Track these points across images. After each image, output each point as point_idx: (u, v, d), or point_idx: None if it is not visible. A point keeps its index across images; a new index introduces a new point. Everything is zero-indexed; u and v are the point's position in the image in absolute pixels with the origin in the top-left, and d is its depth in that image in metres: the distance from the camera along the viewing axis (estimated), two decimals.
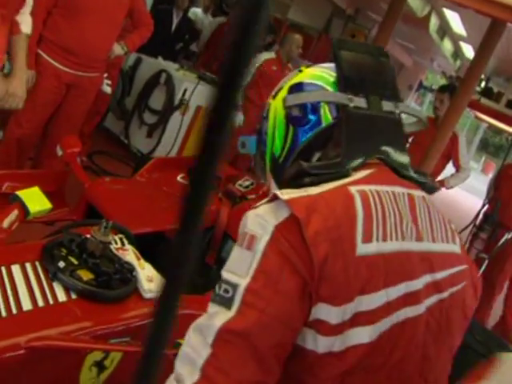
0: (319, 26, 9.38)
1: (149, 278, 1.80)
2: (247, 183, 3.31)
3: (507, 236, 4.40)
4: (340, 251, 0.86)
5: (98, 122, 4.65)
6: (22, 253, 1.68)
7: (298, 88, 1.11)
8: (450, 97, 4.63)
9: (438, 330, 1.00)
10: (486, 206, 4.97)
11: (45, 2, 3.01)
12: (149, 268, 1.86)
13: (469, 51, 8.75)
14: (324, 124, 1.06)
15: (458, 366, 3.75)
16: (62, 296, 1.55)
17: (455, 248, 1.06)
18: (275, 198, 0.89)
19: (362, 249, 0.88)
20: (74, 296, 1.58)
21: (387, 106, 1.07)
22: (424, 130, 4.92)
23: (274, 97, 1.16)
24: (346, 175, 0.98)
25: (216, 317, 0.84)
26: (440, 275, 1.00)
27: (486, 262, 4.35)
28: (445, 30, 7.78)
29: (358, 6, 9.24)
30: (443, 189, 4.98)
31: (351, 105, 1.03)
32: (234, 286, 0.84)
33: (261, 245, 0.85)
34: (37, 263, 1.64)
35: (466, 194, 13.90)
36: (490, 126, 13.96)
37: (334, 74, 1.08)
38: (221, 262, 2.65)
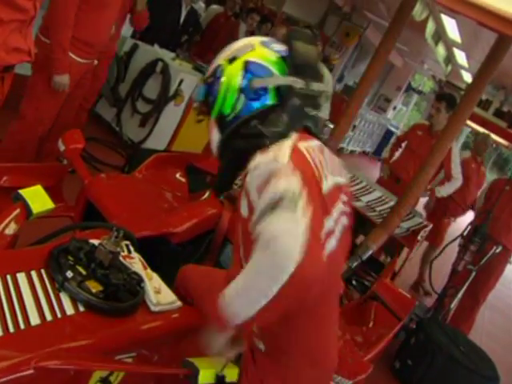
0: (314, 22, 9.29)
1: (156, 290, 1.73)
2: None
3: (495, 249, 4.41)
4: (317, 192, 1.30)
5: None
6: (26, 259, 1.59)
7: (253, 67, 1.40)
8: (447, 106, 4.61)
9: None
10: (474, 217, 5.00)
11: (77, 1, 2.98)
12: (156, 278, 1.79)
13: (461, 58, 8.78)
14: (270, 102, 1.41)
15: (443, 376, 3.75)
16: (69, 308, 1.48)
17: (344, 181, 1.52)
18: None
19: (325, 186, 1.33)
20: (81, 308, 1.50)
21: (317, 86, 1.43)
22: (418, 136, 4.92)
23: (230, 62, 1.43)
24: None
25: None
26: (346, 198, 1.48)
27: (474, 274, 4.37)
28: (440, 35, 7.78)
29: (354, 3, 9.18)
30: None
31: (297, 86, 1.39)
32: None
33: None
34: (42, 271, 1.56)
35: None
36: (473, 130, 14.12)
37: (278, 55, 1.42)
38: (219, 266, 2.59)
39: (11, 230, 1.71)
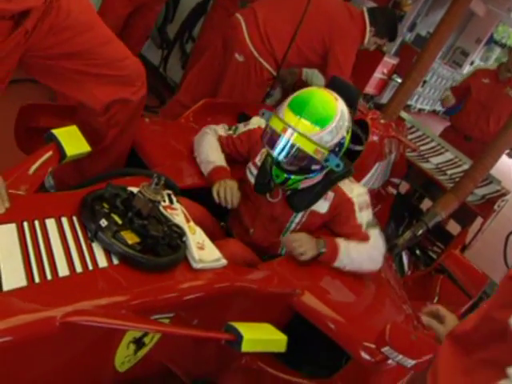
0: None
1: (199, 245, 1.66)
2: None
3: None
4: None
5: None
6: (57, 205, 1.55)
7: None
8: None
9: None
10: None
11: None
12: (200, 233, 1.72)
13: None
14: None
15: None
16: (102, 261, 1.42)
17: None
18: None
19: None
20: (115, 261, 1.45)
21: None
22: (484, 85, 4.61)
23: None
24: None
25: None
26: None
27: None
28: None
29: None
30: None
31: None
32: None
33: None
34: (74, 218, 1.51)
35: None
36: None
37: None
38: None
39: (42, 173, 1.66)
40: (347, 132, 2.02)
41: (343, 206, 2.13)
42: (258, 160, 2.21)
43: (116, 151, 2.21)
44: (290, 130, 1.91)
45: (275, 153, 1.95)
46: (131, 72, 2.05)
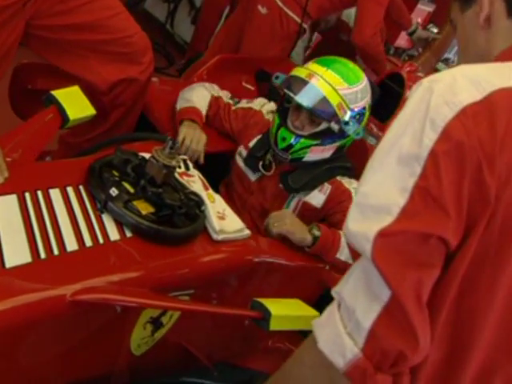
0: None
1: (220, 215, 1.62)
2: None
3: None
4: None
5: None
6: (61, 173, 1.51)
7: None
8: None
9: None
10: None
11: None
12: (219, 201, 1.68)
13: None
14: None
15: None
16: (113, 233, 1.38)
17: None
18: None
19: None
20: (128, 234, 1.40)
21: None
22: None
23: None
24: None
25: None
26: None
27: None
28: None
29: None
30: None
31: None
32: None
33: None
34: (81, 188, 1.46)
35: None
36: None
37: None
38: None
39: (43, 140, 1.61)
40: (368, 108, 1.97)
41: (339, 196, 1.99)
42: (252, 143, 2.10)
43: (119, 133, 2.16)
44: (316, 77, 1.87)
45: (298, 97, 1.88)
46: (139, 49, 2.02)
